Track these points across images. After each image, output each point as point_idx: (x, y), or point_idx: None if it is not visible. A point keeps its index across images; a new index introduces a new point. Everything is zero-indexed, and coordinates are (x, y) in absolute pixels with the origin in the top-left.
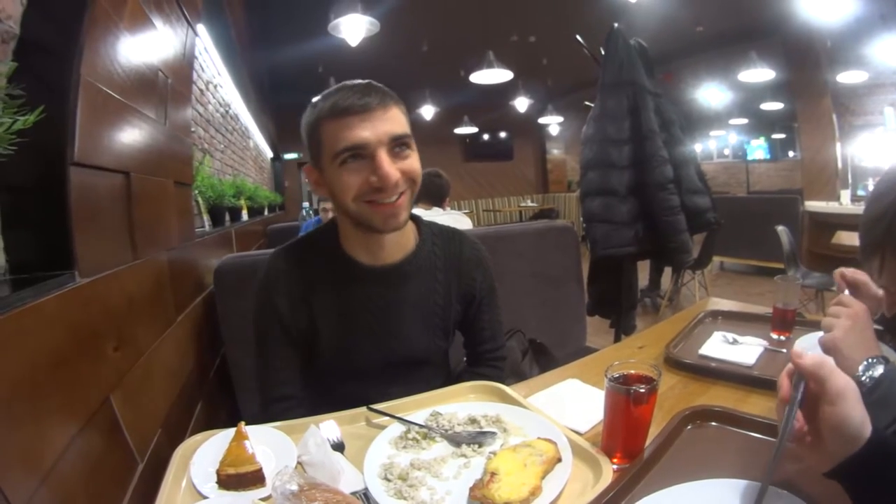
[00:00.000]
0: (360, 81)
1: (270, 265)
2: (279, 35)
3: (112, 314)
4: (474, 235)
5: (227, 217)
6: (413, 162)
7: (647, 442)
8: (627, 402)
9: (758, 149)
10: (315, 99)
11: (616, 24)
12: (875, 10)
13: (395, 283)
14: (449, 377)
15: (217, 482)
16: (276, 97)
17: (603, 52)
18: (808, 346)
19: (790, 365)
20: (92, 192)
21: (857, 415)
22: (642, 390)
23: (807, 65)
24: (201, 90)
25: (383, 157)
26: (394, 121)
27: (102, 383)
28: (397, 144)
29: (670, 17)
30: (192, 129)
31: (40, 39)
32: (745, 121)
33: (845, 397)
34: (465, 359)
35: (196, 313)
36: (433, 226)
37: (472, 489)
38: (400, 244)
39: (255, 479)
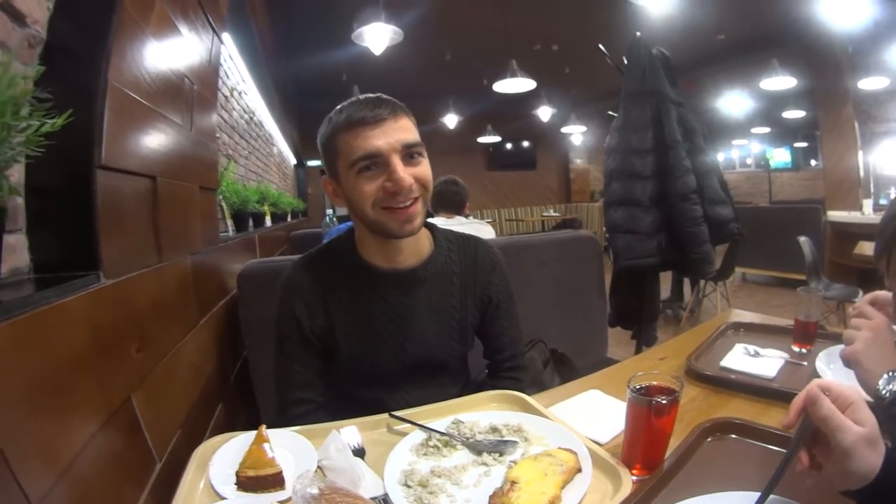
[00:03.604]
0: (370, 95)
1: (290, 272)
2: (303, 43)
3: (136, 316)
4: (497, 245)
5: (251, 222)
6: (424, 169)
7: (667, 454)
8: (649, 414)
9: (780, 155)
10: (330, 114)
11: (638, 34)
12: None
13: (411, 287)
14: (468, 384)
15: (236, 484)
16: (300, 105)
17: (625, 62)
18: (830, 360)
19: (800, 401)
20: (118, 194)
21: (863, 467)
22: (664, 402)
23: (828, 71)
24: (226, 97)
25: (397, 163)
26: (405, 130)
27: (124, 383)
28: (409, 152)
29: (691, 25)
30: (217, 135)
31: (67, 44)
32: (767, 129)
33: (851, 456)
34: (486, 370)
35: (218, 317)
36: (448, 232)
37: (491, 497)
38: (416, 250)
39: (274, 481)
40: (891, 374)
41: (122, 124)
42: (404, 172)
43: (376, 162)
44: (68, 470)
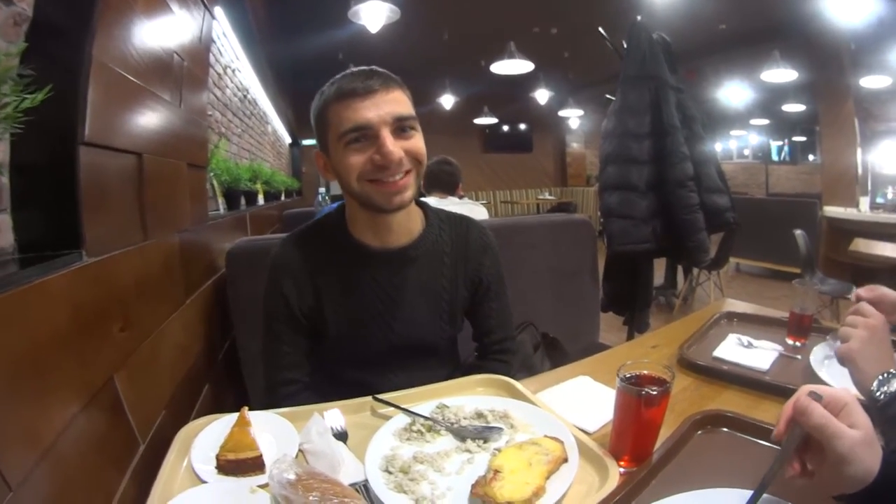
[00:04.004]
0: (364, 67)
1: (279, 250)
2: (299, 21)
3: (119, 294)
4: (490, 226)
5: (243, 201)
6: (417, 142)
7: (657, 445)
8: (638, 404)
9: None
10: (323, 87)
11: (639, 17)
12: None
13: (401, 266)
14: (457, 369)
15: (216, 467)
16: (295, 83)
17: (625, 45)
18: (825, 355)
19: (790, 409)
20: (102, 171)
21: (861, 471)
22: (654, 392)
23: (830, 67)
24: (219, 74)
25: (386, 136)
26: (397, 102)
27: (106, 363)
28: (401, 125)
29: (693, 13)
30: (209, 113)
31: (52, 21)
32: (766, 121)
33: (849, 461)
34: (475, 352)
35: (206, 296)
36: (440, 212)
37: (473, 486)
38: (407, 229)
39: (254, 465)
40: (885, 375)
41: (107, 100)
42: (394, 146)
43: (366, 134)
44: (48, 452)
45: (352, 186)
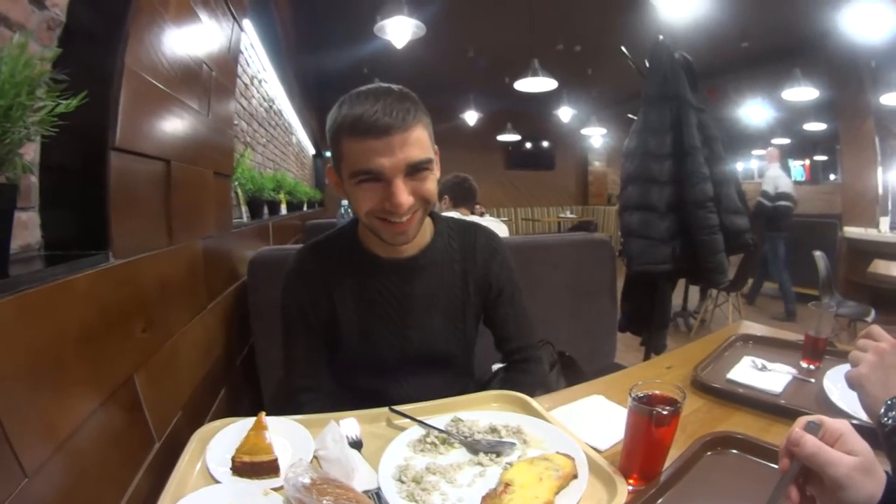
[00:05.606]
0: (385, 92)
1: (294, 260)
2: (325, 34)
3: (143, 296)
4: (510, 244)
5: (266, 210)
6: (429, 185)
7: (666, 465)
8: (649, 423)
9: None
10: (341, 99)
11: (661, 37)
12: None
13: (411, 275)
14: (472, 382)
15: (231, 468)
16: (320, 96)
17: (647, 65)
18: (838, 379)
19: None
20: (131, 176)
21: (861, 498)
22: (665, 412)
23: (850, 84)
24: (246, 84)
25: (398, 185)
26: (414, 146)
27: (127, 362)
28: (415, 168)
29: (715, 32)
30: (235, 122)
31: (86, 28)
32: (787, 141)
33: (845, 487)
34: (500, 363)
35: (228, 302)
36: (450, 220)
37: (484, 498)
38: (416, 239)
39: (269, 468)
40: (893, 400)
41: (137, 107)
42: (404, 195)
43: (377, 177)
44: (65, 443)
45: (361, 216)
